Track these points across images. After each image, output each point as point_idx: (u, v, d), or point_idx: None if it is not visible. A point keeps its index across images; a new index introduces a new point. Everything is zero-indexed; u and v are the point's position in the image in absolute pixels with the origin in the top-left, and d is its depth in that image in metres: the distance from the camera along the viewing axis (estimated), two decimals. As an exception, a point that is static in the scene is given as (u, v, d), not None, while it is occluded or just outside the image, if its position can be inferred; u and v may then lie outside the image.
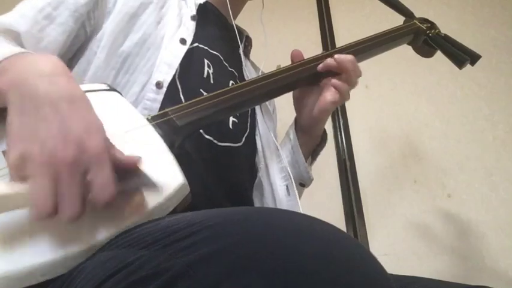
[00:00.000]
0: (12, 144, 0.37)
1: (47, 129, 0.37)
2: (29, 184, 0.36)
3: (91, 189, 0.38)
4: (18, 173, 0.37)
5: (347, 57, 0.68)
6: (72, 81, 0.42)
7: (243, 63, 0.84)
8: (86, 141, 0.38)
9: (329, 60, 0.69)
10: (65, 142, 0.37)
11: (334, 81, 0.68)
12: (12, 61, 0.44)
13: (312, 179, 0.80)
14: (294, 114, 0.96)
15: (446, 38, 0.82)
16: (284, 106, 0.99)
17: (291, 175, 0.74)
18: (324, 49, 1.53)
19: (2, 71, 0.43)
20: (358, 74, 0.70)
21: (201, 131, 0.65)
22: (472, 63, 0.79)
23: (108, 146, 0.40)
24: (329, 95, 0.68)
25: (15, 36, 0.60)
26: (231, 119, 0.71)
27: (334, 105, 0.69)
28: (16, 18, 0.61)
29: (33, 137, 0.37)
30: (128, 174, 0.42)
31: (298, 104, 0.77)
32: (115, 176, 0.39)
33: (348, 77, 0.69)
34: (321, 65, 0.69)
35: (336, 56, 0.68)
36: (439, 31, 0.83)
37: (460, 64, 0.78)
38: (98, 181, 0.38)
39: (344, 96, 0.70)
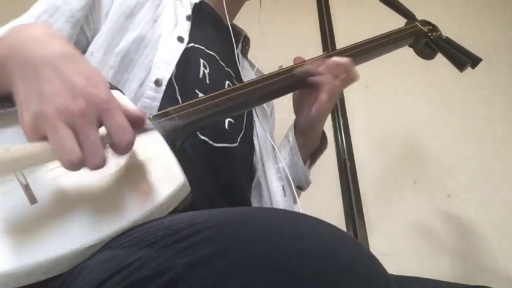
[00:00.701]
0: (23, 109, 0.38)
1: (53, 87, 0.38)
2: (49, 140, 0.36)
3: (110, 135, 0.39)
4: (35, 134, 0.37)
5: (327, 65, 0.69)
6: (64, 41, 0.43)
7: (240, 63, 0.83)
8: (92, 90, 0.38)
9: (308, 67, 0.69)
10: (73, 95, 0.37)
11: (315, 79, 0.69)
12: (4, 35, 0.45)
13: (310, 183, 0.80)
14: (292, 115, 0.97)
15: (447, 40, 0.82)
16: (284, 106, 0.99)
17: (289, 177, 0.74)
18: (324, 49, 1.53)
19: None
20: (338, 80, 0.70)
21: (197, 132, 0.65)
22: (473, 66, 0.79)
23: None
24: (323, 95, 0.69)
25: None
26: (227, 119, 0.71)
27: (328, 105, 0.70)
28: None
29: (41, 97, 0.37)
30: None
31: (296, 106, 0.77)
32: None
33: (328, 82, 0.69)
34: (298, 70, 0.69)
35: (319, 68, 0.69)
36: (441, 34, 0.83)
37: (461, 67, 0.79)
38: (114, 124, 0.38)
39: (334, 96, 0.70)
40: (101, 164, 0.38)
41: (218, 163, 0.67)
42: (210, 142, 0.66)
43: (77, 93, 0.38)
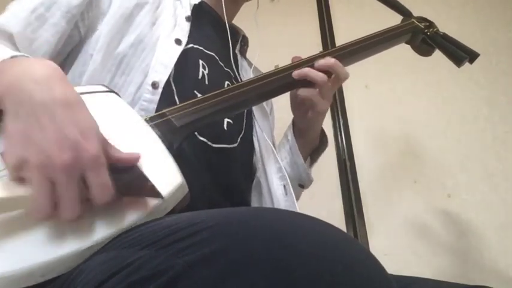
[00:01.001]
0: (9, 150, 0.38)
1: (43, 135, 0.37)
2: (28, 188, 0.37)
3: (90, 192, 0.39)
4: (17, 175, 0.38)
5: (319, 70, 0.69)
6: (67, 85, 0.42)
7: (239, 63, 0.83)
8: (81, 145, 0.38)
9: (305, 70, 0.69)
10: (61, 147, 0.37)
11: (303, 90, 0.70)
12: (7, 65, 0.44)
13: (312, 180, 0.80)
14: (291, 115, 0.97)
15: (444, 36, 0.82)
16: (284, 106, 0.99)
17: (288, 176, 0.75)
18: (324, 49, 1.53)
19: None
20: (329, 86, 0.71)
21: (195, 133, 0.65)
22: (471, 61, 0.79)
23: (105, 146, 0.41)
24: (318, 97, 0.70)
25: (8, 37, 0.60)
26: (226, 120, 0.70)
27: (324, 106, 0.72)
28: (9, 19, 0.61)
29: (29, 142, 0.37)
30: (126, 171, 0.42)
31: (294, 105, 0.78)
32: (111, 176, 0.40)
33: (320, 88, 0.70)
34: (295, 73, 0.69)
35: (310, 69, 0.69)
36: (438, 30, 0.83)
37: (458, 62, 0.78)
38: (95, 183, 0.39)
39: (329, 97, 0.72)
40: (72, 218, 0.38)
41: (217, 164, 0.67)
42: (209, 143, 0.66)
43: (66, 145, 0.37)
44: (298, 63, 0.70)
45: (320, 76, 0.69)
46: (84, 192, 0.39)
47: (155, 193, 0.42)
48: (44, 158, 0.37)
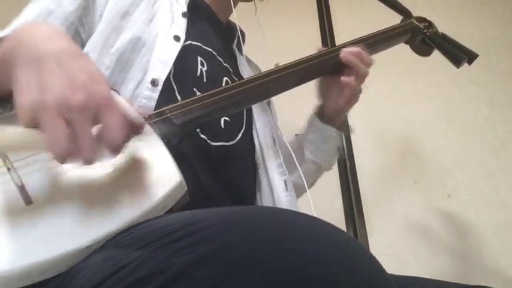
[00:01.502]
0: (22, 94, 0.38)
1: (55, 79, 0.38)
2: (43, 130, 0.37)
3: (103, 133, 0.39)
4: (30, 121, 0.38)
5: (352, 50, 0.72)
6: (70, 40, 0.44)
7: (238, 59, 0.83)
8: (92, 87, 0.39)
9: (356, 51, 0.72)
10: (73, 89, 0.38)
11: (344, 78, 0.73)
12: (11, 33, 0.46)
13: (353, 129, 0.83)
14: (292, 115, 0.97)
15: (443, 36, 0.82)
16: (284, 106, 0.99)
17: (287, 173, 0.76)
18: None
19: (4, 41, 0.45)
20: (367, 62, 0.74)
21: (197, 130, 0.65)
22: (470, 62, 0.79)
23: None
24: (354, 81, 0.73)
25: None
26: (223, 118, 0.71)
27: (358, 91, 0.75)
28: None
29: (42, 86, 0.38)
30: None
31: (322, 93, 0.80)
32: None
33: (356, 70, 0.73)
34: (347, 52, 0.72)
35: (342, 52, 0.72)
36: (437, 30, 0.83)
37: (457, 63, 0.78)
38: (109, 123, 0.39)
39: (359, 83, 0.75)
40: (92, 158, 0.38)
41: (217, 162, 0.67)
42: (208, 141, 0.66)
43: (78, 87, 0.38)
44: (299, 62, 0.70)
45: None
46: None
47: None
48: (59, 98, 0.37)
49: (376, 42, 0.78)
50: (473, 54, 0.78)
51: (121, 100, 0.53)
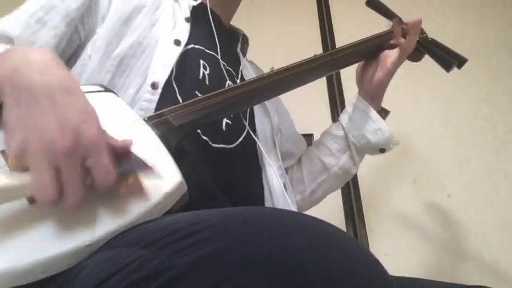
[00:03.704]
0: (11, 136, 0.38)
1: (44, 120, 0.38)
2: (30, 174, 0.37)
3: (93, 175, 0.39)
4: (19, 163, 0.38)
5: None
6: (65, 71, 0.43)
7: (241, 62, 0.84)
8: (82, 129, 0.38)
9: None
10: (63, 131, 0.37)
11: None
12: (4, 57, 0.44)
13: (397, 142, 0.83)
14: (292, 115, 0.97)
15: (433, 42, 0.83)
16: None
17: (286, 176, 0.76)
18: (323, 49, 1.53)
19: None
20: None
21: (199, 131, 0.65)
22: (459, 66, 0.80)
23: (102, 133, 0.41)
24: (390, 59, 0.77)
25: (8, 41, 0.60)
26: (225, 120, 0.71)
27: (399, 62, 0.78)
28: (8, 23, 0.62)
29: (31, 127, 0.38)
30: (121, 159, 0.42)
31: (362, 76, 0.82)
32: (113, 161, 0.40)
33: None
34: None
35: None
36: (427, 35, 0.85)
37: (447, 67, 0.80)
38: (98, 166, 0.39)
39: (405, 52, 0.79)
40: (77, 203, 0.39)
41: (218, 164, 0.67)
42: (210, 143, 0.66)
43: (67, 129, 0.38)
44: (295, 66, 0.71)
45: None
46: (87, 178, 0.39)
47: (157, 176, 0.43)
48: (46, 142, 0.37)
49: (366, 48, 0.79)
50: (462, 59, 0.80)
51: (116, 102, 0.53)
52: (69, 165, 0.37)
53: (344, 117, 0.84)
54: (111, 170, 0.40)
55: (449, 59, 0.79)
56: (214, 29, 0.78)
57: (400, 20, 0.83)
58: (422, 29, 0.85)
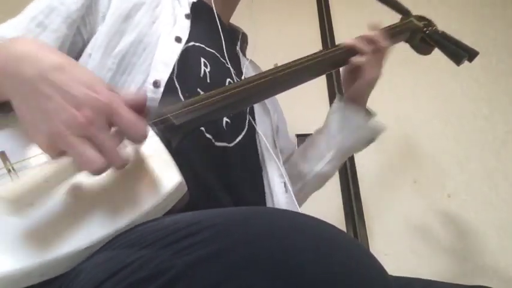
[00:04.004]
0: (33, 132, 0.39)
1: (55, 104, 0.38)
2: (70, 155, 0.38)
3: (124, 132, 0.40)
4: (53, 151, 0.39)
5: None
6: (51, 51, 0.43)
7: (241, 61, 0.84)
8: (93, 96, 0.39)
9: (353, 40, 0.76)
10: (77, 106, 0.38)
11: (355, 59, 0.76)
12: None
13: (384, 127, 0.82)
14: (292, 115, 0.97)
15: (443, 35, 0.82)
16: (283, 106, 0.99)
17: (286, 176, 0.76)
18: (323, 49, 1.53)
19: None
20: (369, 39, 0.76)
21: (202, 129, 0.65)
22: (470, 59, 0.78)
23: (114, 89, 0.42)
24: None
25: None
26: (225, 119, 0.71)
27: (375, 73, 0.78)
28: (9, 29, 0.61)
29: (46, 117, 0.38)
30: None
31: (347, 78, 0.81)
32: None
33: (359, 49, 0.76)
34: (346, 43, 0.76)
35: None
36: (436, 28, 0.83)
37: (458, 61, 0.78)
38: (125, 122, 0.39)
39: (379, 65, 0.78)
40: (124, 164, 0.40)
41: (221, 162, 0.67)
42: (213, 140, 0.66)
43: (80, 103, 0.38)
44: (297, 63, 0.70)
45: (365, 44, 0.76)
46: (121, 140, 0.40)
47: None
48: (68, 120, 0.37)
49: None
50: (473, 52, 0.78)
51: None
52: (98, 132, 0.38)
53: (324, 122, 0.85)
54: (139, 121, 0.40)
55: (460, 52, 0.77)
56: (220, 27, 0.78)
57: (409, 13, 0.83)
58: (431, 22, 0.84)
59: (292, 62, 0.71)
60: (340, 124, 0.81)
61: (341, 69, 0.81)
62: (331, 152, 0.82)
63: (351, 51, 0.75)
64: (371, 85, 0.80)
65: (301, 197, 0.90)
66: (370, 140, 0.83)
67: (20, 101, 0.40)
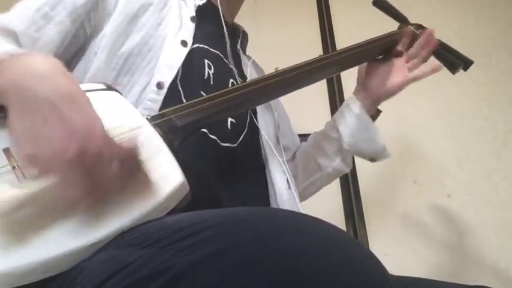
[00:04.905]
0: (20, 148, 0.39)
1: (51, 131, 0.38)
2: (54, 178, 0.37)
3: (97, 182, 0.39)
4: (29, 172, 0.39)
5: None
6: (70, 79, 0.43)
7: (242, 60, 0.84)
8: (88, 137, 0.38)
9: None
10: (69, 140, 0.37)
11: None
12: (10, 61, 0.44)
13: (388, 155, 0.82)
14: (292, 115, 0.97)
15: (439, 43, 0.83)
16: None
17: (289, 171, 0.77)
18: (323, 49, 1.53)
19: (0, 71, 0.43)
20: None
21: (206, 130, 0.65)
22: (465, 68, 0.80)
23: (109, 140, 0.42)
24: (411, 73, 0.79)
25: (12, 36, 0.60)
26: (229, 120, 0.71)
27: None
28: (13, 18, 0.61)
29: (37, 139, 0.38)
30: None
31: (370, 77, 0.81)
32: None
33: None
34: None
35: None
36: None
37: (453, 69, 0.80)
38: (102, 177, 0.39)
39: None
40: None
41: (225, 162, 0.67)
42: (218, 141, 0.66)
43: (73, 138, 0.38)
44: (299, 66, 0.70)
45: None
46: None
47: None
48: (54, 152, 0.37)
49: (374, 48, 0.79)
50: (468, 61, 0.80)
51: (120, 101, 0.53)
52: (78, 173, 0.38)
53: (339, 121, 0.84)
54: (113, 183, 0.40)
55: (455, 61, 0.79)
56: (217, 28, 0.78)
57: (407, 21, 0.83)
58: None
59: (296, 64, 0.71)
60: (355, 130, 0.82)
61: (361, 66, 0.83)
62: (343, 151, 0.84)
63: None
64: (396, 92, 0.81)
65: (312, 190, 0.92)
66: (372, 159, 0.85)
67: (18, 113, 0.39)
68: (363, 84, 0.83)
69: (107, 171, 0.39)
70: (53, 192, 0.38)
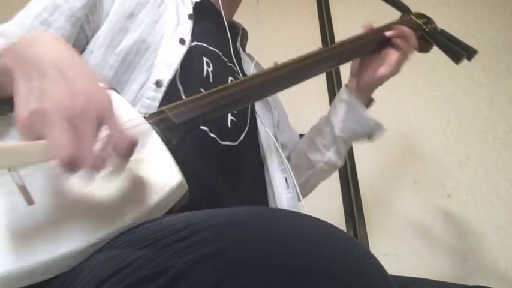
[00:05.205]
0: (21, 106, 0.38)
1: (55, 88, 0.38)
2: (45, 136, 0.36)
3: (112, 137, 0.38)
4: (29, 132, 0.37)
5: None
6: (71, 49, 0.43)
7: (241, 57, 0.84)
8: (92, 95, 0.38)
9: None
10: (74, 96, 0.37)
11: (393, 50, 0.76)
12: (11, 45, 0.45)
13: (383, 127, 0.81)
14: (292, 115, 0.97)
15: (442, 33, 0.81)
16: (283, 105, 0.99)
17: (290, 170, 0.76)
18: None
19: (4, 53, 0.44)
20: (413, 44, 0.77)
21: (206, 129, 0.65)
22: (469, 58, 0.77)
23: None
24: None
25: None
26: (229, 117, 0.71)
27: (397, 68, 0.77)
28: (13, 26, 0.61)
29: (42, 96, 0.37)
30: None
31: (362, 69, 0.80)
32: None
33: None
34: (388, 33, 0.76)
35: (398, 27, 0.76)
36: (436, 26, 0.83)
37: (456, 59, 0.77)
38: (113, 125, 0.38)
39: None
40: (97, 164, 0.36)
41: (225, 161, 0.67)
42: (218, 140, 0.66)
43: (79, 95, 0.38)
44: (298, 60, 0.70)
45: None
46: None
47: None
48: (60, 104, 0.37)
49: (376, 38, 0.77)
50: (472, 50, 0.77)
51: (118, 99, 0.53)
52: (85, 126, 0.36)
53: (331, 113, 0.84)
54: (125, 132, 0.39)
55: (458, 51, 0.77)
56: (216, 25, 0.77)
57: (409, 10, 0.82)
58: (431, 19, 0.84)
59: (295, 58, 0.70)
60: (345, 114, 0.81)
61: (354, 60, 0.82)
62: (337, 141, 0.83)
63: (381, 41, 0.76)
64: (384, 80, 0.79)
65: (309, 187, 0.91)
66: (369, 136, 0.83)
67: (24, 77, 0.39)
68: (356, 76, 0.83)
69: (114, 125, 0.38)
70: (53, 144, 0.35)
